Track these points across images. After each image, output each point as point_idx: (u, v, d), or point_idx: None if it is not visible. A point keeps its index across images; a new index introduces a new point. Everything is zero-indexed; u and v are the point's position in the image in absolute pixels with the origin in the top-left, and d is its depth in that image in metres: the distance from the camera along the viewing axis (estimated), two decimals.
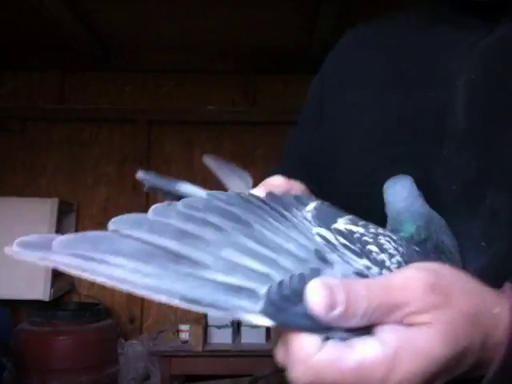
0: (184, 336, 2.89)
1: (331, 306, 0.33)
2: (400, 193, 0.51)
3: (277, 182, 0.53)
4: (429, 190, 0.51)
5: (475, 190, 0.51)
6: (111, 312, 3.36)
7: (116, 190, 3.57)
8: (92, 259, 0.35)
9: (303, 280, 0.35)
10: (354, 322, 0.34)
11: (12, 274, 2.87)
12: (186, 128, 3.61)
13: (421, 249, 0.46)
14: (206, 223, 0.39)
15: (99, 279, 0.34)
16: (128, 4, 2.82)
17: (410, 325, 0.35)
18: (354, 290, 0.34)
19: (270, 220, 0.42)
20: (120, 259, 0.35)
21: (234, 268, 0.36)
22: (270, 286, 0.35)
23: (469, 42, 0.57)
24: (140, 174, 0.51)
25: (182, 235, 0.37)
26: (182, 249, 0.37)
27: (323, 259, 0.38)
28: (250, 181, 0.54)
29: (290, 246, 0.39)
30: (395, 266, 0.41)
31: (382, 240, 0.43)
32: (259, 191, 0.48)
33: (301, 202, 0.48)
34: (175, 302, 0.35)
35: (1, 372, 2.63)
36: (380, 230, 0.45)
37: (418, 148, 0.56)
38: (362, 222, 0.45)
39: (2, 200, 3.17)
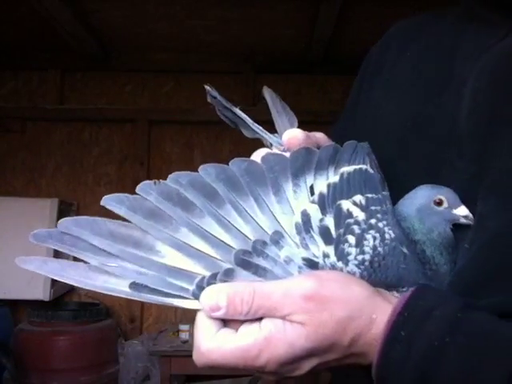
0: (184, 336, 2.89)
1: (214, 309, 0.44)
2: (410, 202, 0.53)
3: (320, 136, 0.59)
4: None
5: (469, 195, 0.52)
6: (111, 312, 3.36)
7: (116, 190, 3.50)
8: (74, 245, 0.45)
9: (228, 275, 0.45)
10: (241, 318, 0.44)
11: (12, 274, 2.87)
12: (186, 128, 3.61)
13: (409, 251, 0.48)
14: (179, 201, 0.47)
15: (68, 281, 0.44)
16: (128, 4, 2.81)
17: (290, 321, 0.43)
18: (238, 296, 0.44)
19: (252, 196, 0.47)
20: (96, 241, 0.44)
21: (182, 249, 0.45)
22: (203, 277, 0.45)
23: (487, 45, 0.56)
24: (207, 87, 0.60)
25: (151, 214, 0.46)
26: (146, 227, 0.46)
27: (275, 241, 0.46)
28: (296, 123, 0.62)
29: (247, 229, 0.46)
30: (356, 262, 0.46)
31: (369, 235, 0.46)
32: (299, 133, 0.55)
33: (337, 160, 0.52)
34: (126, 290, 0.44)
35: (1, 372, 2.62)
36: (381, 224, 0.47)
37: (427, 150, 0.57)
38: (374, 208, 0.48)
39: (2, 200, 3.16)
